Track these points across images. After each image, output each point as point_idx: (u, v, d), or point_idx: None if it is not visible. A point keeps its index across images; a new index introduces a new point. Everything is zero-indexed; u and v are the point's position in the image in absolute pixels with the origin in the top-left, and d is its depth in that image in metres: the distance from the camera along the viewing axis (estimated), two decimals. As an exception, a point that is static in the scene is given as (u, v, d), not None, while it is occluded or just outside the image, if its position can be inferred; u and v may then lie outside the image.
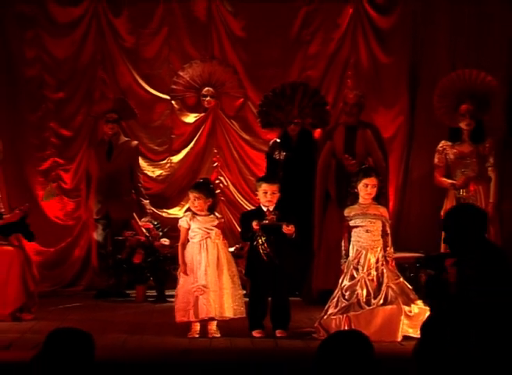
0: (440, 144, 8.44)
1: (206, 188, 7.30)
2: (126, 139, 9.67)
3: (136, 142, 9.74)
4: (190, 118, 10.11)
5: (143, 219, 9.45)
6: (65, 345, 3.56)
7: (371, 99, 9.62)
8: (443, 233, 5.44)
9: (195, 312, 7.03)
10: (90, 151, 9.73)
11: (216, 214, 7.39)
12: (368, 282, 7.05)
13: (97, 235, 9.53)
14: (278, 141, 9.30)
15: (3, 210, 8.28)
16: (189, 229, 7.19)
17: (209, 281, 7.04)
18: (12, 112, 9.87)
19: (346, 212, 7.28)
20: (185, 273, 7.12)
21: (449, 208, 5.72)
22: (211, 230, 7.19)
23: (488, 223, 5.58)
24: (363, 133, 8.86)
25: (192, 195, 7.26)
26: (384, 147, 9.07)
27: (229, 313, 7.08)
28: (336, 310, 7.04)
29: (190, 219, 7.21)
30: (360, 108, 8.89)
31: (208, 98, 9.95)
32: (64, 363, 3.51)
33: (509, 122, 9.27)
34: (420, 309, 7.00)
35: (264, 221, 7.13)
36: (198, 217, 7.20)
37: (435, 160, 8.44)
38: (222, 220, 7.51)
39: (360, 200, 7.24)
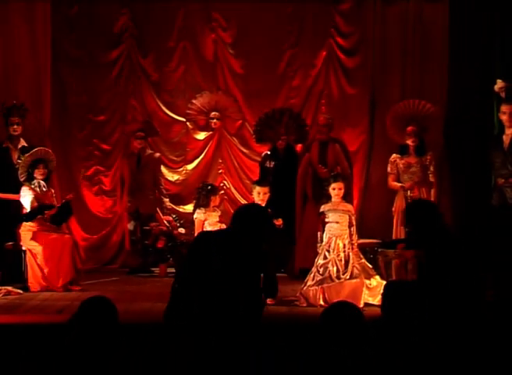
0: (392, 157, 8.41)
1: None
2: (151, 152, 9.64)
3: (158, 154, 9.71)
4: (201, 136, 10.08)
5: (164, 213, 9.43)
6: (93, 308, 3.56)
7: (340, 121, 9.61)
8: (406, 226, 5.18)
9: None
10: (124, 161, 9.70)
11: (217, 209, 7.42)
12: (337, 261, 7.04)
13: (130, 225, 9.51)
14: (268, 153, 9.27)
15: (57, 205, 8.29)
16: (204, 221, 7.18)
17: None
18: (64, 130, 9.83)
19: (322, 208, 7.28)
20: None
21: (407, 205, 5.47)
22: (217, 222, 7.21)
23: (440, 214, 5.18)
24: (333, 147, 8.85)
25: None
26: (349, 158, 9.05)
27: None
28: (313, 283, 7.03)
29: (204, 214, 7.20)
30: (329, 128, 8.89)
31: (215, 120, 9.92)
32: (93, 321, 3.51)
33: (445, 139, 9.26)
34: (377, 282, 6.99)
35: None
36: (210, 212, 7.20)
37: (388, 169, 8.41)
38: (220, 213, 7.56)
39: (332, 199, 7.24)
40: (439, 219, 5.01)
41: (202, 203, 7.47)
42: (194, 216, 7.55)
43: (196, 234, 7.25)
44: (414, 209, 5.13)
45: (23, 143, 8.66)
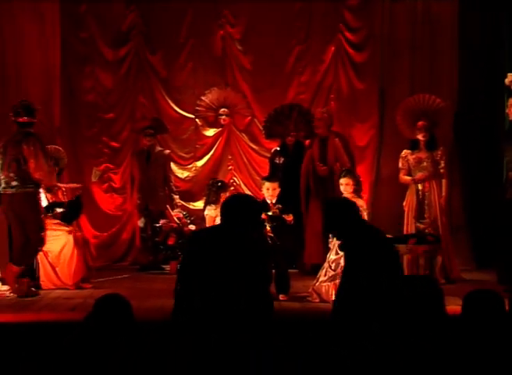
0: (403, 152, 8.36)
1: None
2: (161, 149, 9.61)
3: (168, 151, 9.69)
4: (210, 132, 10.05)
5: (174, 210, 9.41)
6: (109, 306, 3.54)
7: (349, 116, 9.61)
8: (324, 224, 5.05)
9: None
10: (133, 158, 9.69)
11: None
12: (349, 257, 6.99)
13: (140, 222, 9.49)
14: (278, 149, 9.24)
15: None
16: (215, 218, 7.17)
17: None
18: (74, 128, 9.82)
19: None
20: None
21: (326, 202, 5.30)
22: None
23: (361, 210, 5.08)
24: (332, 142, 8.78)
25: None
26: (351, 152, 8.91)
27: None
28: (325, 278, 7.00)
29: (215, 210, 7.19)
30: (324, 122, 8.77)
31: (224, 117, 9.89)
32: (109, 319, 3.49)
33: (456, 134, 9.22)
34: (389, 278, 6.94)
35: (270, 212, 7.09)
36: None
37: (399, 164, 8.36)
38: None
39: (343, 194, 7.21)
40: (355, 216, 4.84)
41: (212, 200, 7.46)
42: (205, 213, 7.54)
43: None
44: (329, 210, 4.97)
45: (33, 141, 8.65)
